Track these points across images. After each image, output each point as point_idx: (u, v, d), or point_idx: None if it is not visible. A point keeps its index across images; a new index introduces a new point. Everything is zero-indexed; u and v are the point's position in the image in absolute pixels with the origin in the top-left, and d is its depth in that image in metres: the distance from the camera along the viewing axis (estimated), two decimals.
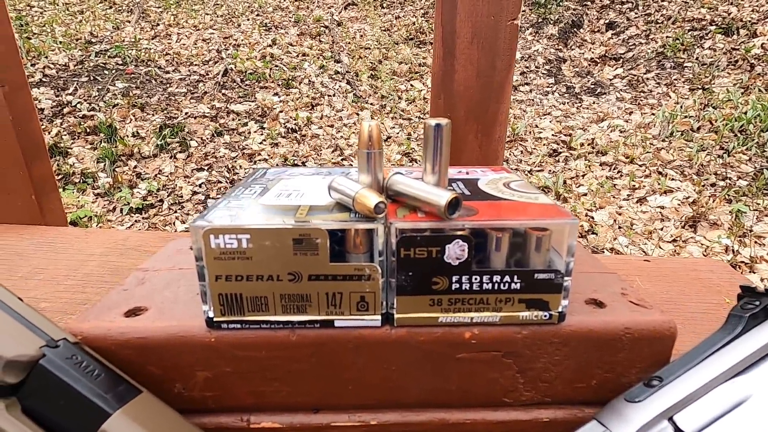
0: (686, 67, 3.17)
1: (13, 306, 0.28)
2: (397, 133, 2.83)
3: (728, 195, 2.04)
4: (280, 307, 0.30)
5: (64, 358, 0.27)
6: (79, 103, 2.78)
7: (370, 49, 3.76)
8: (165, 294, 0.35)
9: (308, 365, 0.31)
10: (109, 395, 0.27)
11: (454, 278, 0.30)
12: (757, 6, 3.29)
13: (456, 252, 0.29)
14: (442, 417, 0.33)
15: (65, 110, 2.72)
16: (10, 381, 0.26)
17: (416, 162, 2.53)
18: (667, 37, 3.41)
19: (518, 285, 0.30)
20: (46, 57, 3.10)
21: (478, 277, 0.30)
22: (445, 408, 0.33)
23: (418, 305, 0.30)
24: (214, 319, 0.30)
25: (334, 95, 3.18)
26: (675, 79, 3.10)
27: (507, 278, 0.30)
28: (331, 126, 2.89)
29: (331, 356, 0.31)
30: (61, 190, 2.25)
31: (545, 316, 0.31)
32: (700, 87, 2.96)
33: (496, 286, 0.30)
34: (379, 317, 0.31)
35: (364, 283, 0.30)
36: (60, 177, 2.34)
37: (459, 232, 0.29)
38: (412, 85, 3.38)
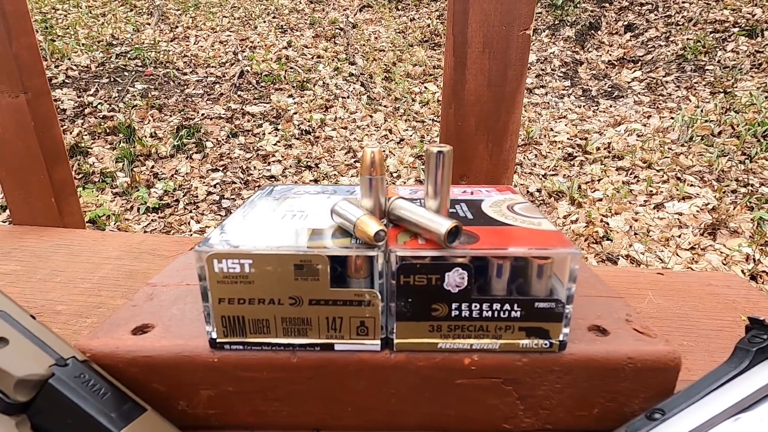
0: (707, 70, 3.09)
1: (26, 325, 0.29)
2: (411, 136, 2.83)
3: (750, 202, 1.98)
4: (281, 330, 0.31)
5: (72, 377, 0.28)
6: (99, 103, 2.84)
7: (384, 51, 3.76)
8: (172, 311, 0.36)
9: (308, 387, 0.32)
10: (114, 414, 0.27)
11: (454, 305, 0.30)
12: None
13: (456, 280, 0.29)
14: None
15: (86, 111, 2.79)
16: (21, 399, 0.27)
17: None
18: (687, 39, 3.33)
19: (518, 313, 0.30)
20: (69, 59, 3.18)
21: (478, 305, 0.30)
22: None
23: (417, 331, 0.30)
24: (217, 340, 0.31)
25: (348, 97, 3.20)
26: (695, 83, 3.03)
27: (507, 306, 0.30)
28: (345, 128, 2.91)
29: (331, 379, 0.31)
30: (80, 189, 2.31)
31: (546, 344, 0.31)
32: (721, 90, 2.89)
33: (495, 313, 0.30)
34: (378, 342, 0.31)
35: (364, 309, 0.30)
36: (80, 176, 2.40)
37: (459, 260, 0.29)
38: (426, 88, 3.37)
